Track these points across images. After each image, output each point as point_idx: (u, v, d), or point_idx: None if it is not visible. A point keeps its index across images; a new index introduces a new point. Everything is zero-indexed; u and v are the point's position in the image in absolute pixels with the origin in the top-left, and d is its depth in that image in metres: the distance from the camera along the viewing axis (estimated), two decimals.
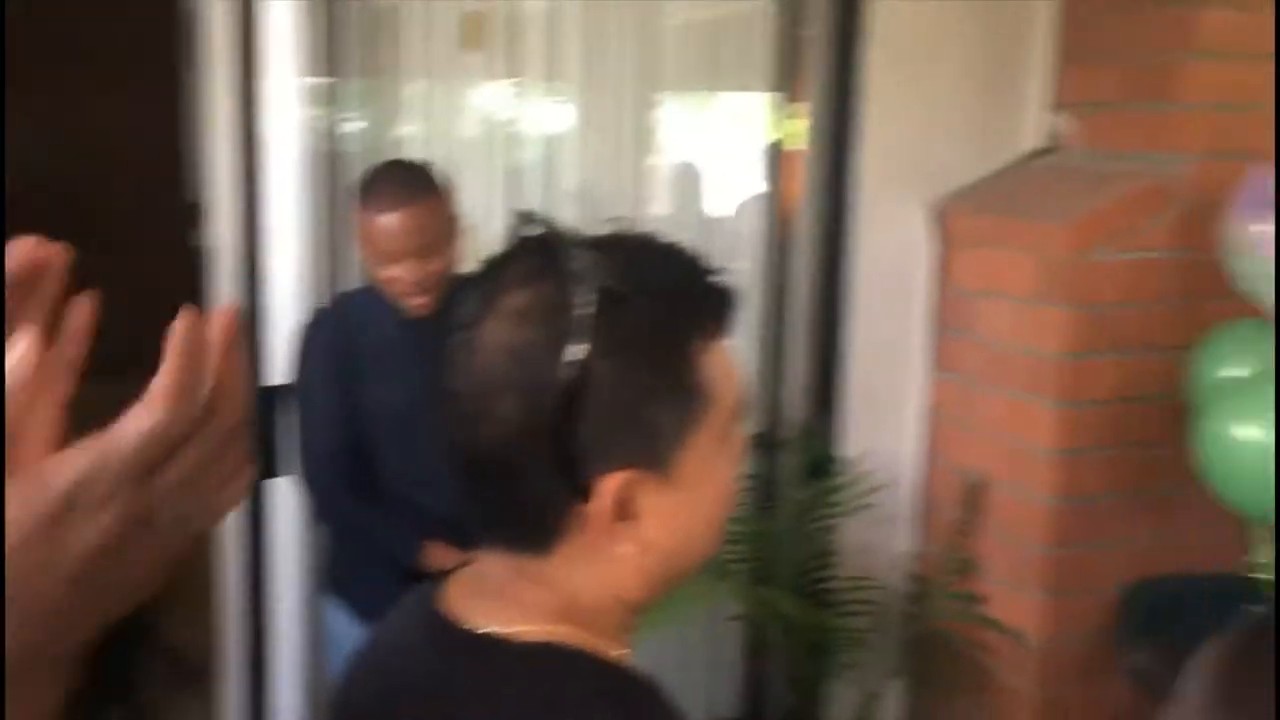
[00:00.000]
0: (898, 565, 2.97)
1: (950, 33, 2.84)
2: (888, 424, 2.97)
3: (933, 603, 2.81)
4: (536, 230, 0.85)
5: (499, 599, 0.86)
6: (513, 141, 2.89)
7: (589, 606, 0.85)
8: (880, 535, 2.94)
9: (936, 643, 2.84)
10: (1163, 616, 2.71)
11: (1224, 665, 0.78)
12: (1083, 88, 2.80)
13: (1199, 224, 2.57)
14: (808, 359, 2.96)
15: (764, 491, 2.94)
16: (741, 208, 3.09)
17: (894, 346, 2.95)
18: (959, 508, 2.81)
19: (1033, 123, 2.92)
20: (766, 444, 2.97)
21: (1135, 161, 2.63)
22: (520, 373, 0.79)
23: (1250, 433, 2.36)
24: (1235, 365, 2.52)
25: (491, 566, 0.87)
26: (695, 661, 3.14)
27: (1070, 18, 2.82)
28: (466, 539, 0.90)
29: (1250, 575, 2.55)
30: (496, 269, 0.85)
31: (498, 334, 0.81)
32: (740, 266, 3.00)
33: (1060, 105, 2.86)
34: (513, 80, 2.85)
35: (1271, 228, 2.36)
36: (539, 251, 0.83)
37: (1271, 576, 2.51)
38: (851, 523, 2.86)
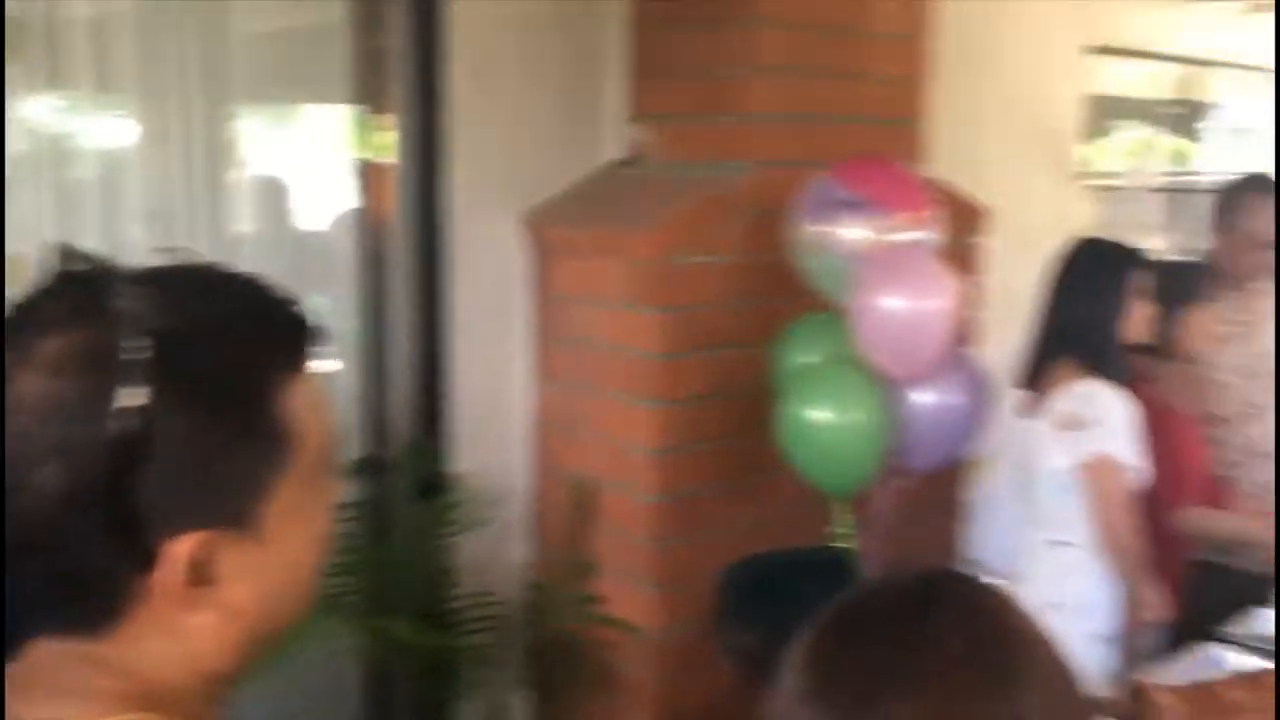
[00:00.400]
0: (518, 576, 2.97)
1: (529, 46, 2.88)
2: (497, 436, 2.97)
3: (553, 608, 2.84)
4: (77, 264, 0.74)
5: (56, 693, 0.74)
6: (64, 159, 2.60)
7: (167, 687, 0.75)
8: (499, 548, 2.94)
9: (560, 647, 2.87)
10: (757, 593, 2.90)
11: (815, 654, 0.81)
12: (656, 101, 2.94)
13: (768, 227, 2.77)
14: (412, 377, 2.90)
15: (374, 517, 2.84)
16: (333, 224, 2.97)
17: (498, 358, 2.95)
18: (572, 512, 2.86)
19: (613, 135, 3.03)
20: (373, 467, 2.87)
21: (707, 170, 2.80)
22: (60, 432, 0.68)
23: (822, 415, 2.58)
24: (806, 357, 2.75)
25: (45, 656, 0.75)
26: (312, 707, 2.98)
27: (640, 35, 2.95)
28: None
29: (834, 544, 2.79)
30: (28, 312, 0.73)
31: (31, 388, 0.70)
32: (334, 285, 2.88)
33: (637, 118, 2.98)
34: (59, 92, 2.56)
35: (836, 229, 2.60)
36: (78, 289, 0.72)
37: (851, 543, 2.77)
38: (469, 539, 2.83)
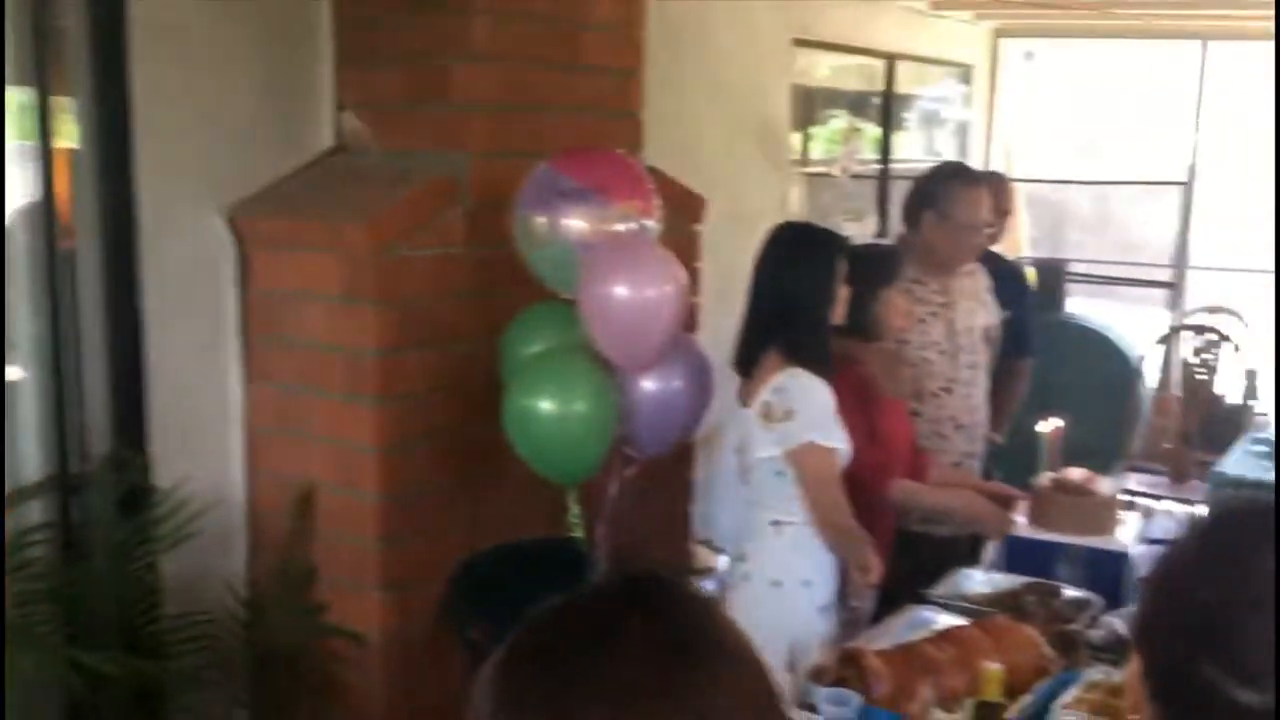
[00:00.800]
0: (235, 589, 2.80)
1: (229, 28, 2.71)
2: (207, 443, 2.79)
3: (273, 621, 2.70)
4: None
5: None
6: None
7: None
8: (214, 562, 2.76)
9: (282, 662, 2.73)
10: (491, 586, 2.87)
11: (503, 672, 0.78)
12: (368, 89, 2.83)
13: (489, 218, 2.73)
14: (107, 384, 2.67)
15: (68, 539, 2.60)
16: (11, 218, 2.69)
17: (204, 360, 2.77)
18: (290, 518, 2.72)
19: (325, 123, 2.90)
20: (64, 486, 2.63)
21: (423, 160, 2.72)
22: None
23: (546, 405, 2.57)
24: (534, 346, 2.73)
25: None
26: None
27: (348, 20, 2.84)
28: None
29: (565, 534, 2.79)
30: None
31: None
32: (13, 285, 2.61)
33: (346, 105, 2.86)
34: None
35: (559, 219, 2.58)
36: None
37: (582, 532, 2.78)
38: (179, 555, 2.64)
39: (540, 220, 2.60)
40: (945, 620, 2.43)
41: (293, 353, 2.72)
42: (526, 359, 2.67)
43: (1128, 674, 0.94)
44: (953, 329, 3.21)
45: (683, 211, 3.31)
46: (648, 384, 2.75)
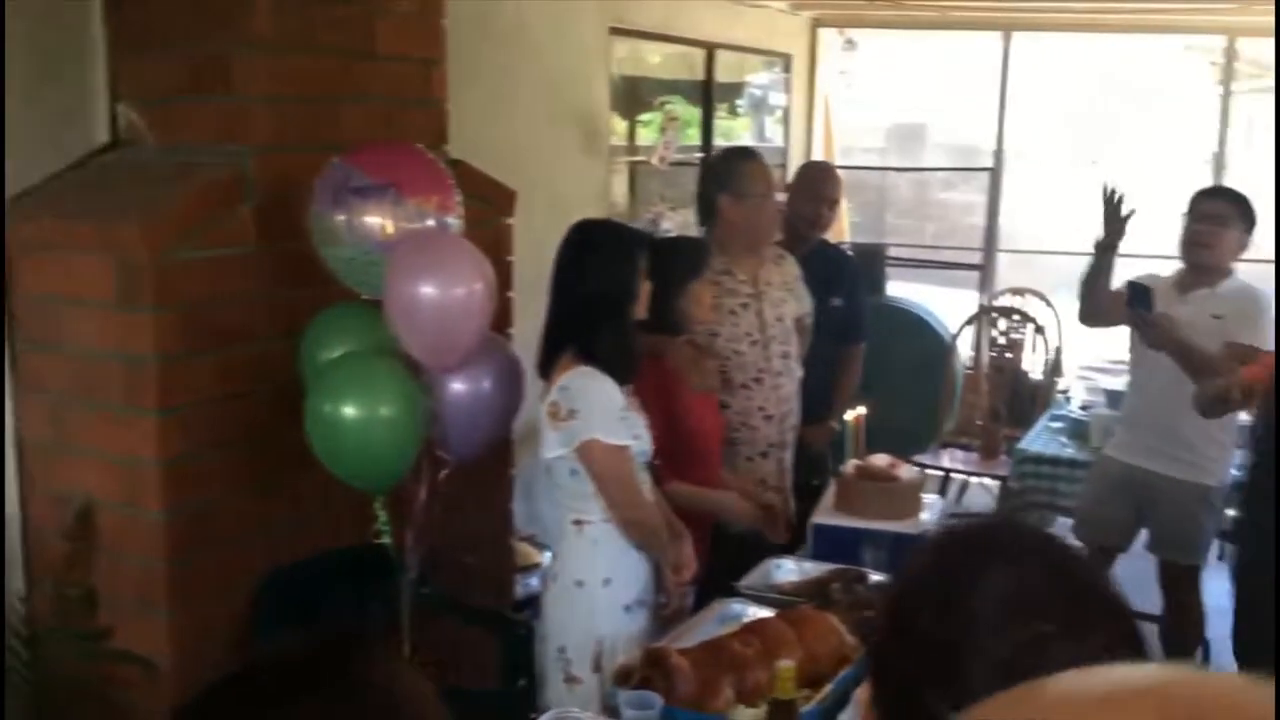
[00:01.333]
0: (13, 616, 2.61)
1: None
2: None
3: (52, 650, 2.52)
4: None
5: None
6: None
7: None
8: None
9: (63, 694, 2.56)
10: (297, 600, 2.75)
11: None
12: (145, 79, 2.66)
13: (280, 215, 2.61)
14: None
15: None
16: None
17: None
18: (68, 539, 2.54)
19: (99, 117, 2.71)
20: None
21: (207, 155, 2.58)
22: None
23: (351, 410, 2.47)
24: (333, 348, 2.62)
25: None
26: None
27: (122, 6, 2.66)
28: None
29: (373, 542, 2.70)
30: None
31: None
32: None
33: (123, 98, 2.69)
34: None
35: (355, 216, 2.47)
36: None
37: (390, 539, 2.68)
38: None
39: (335, 218, 2.50)
40: (754, 612, 2.44)
41: (67, 361, 2.54)
42: (328, 362, 2.56)
43: (859, 699, 0.92)
44: (763, 319, 3.24)
45: (492, 204, 3.24)
46: (457, 385, 2.68)
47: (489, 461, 3.02)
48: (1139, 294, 3.23)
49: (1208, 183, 6.50)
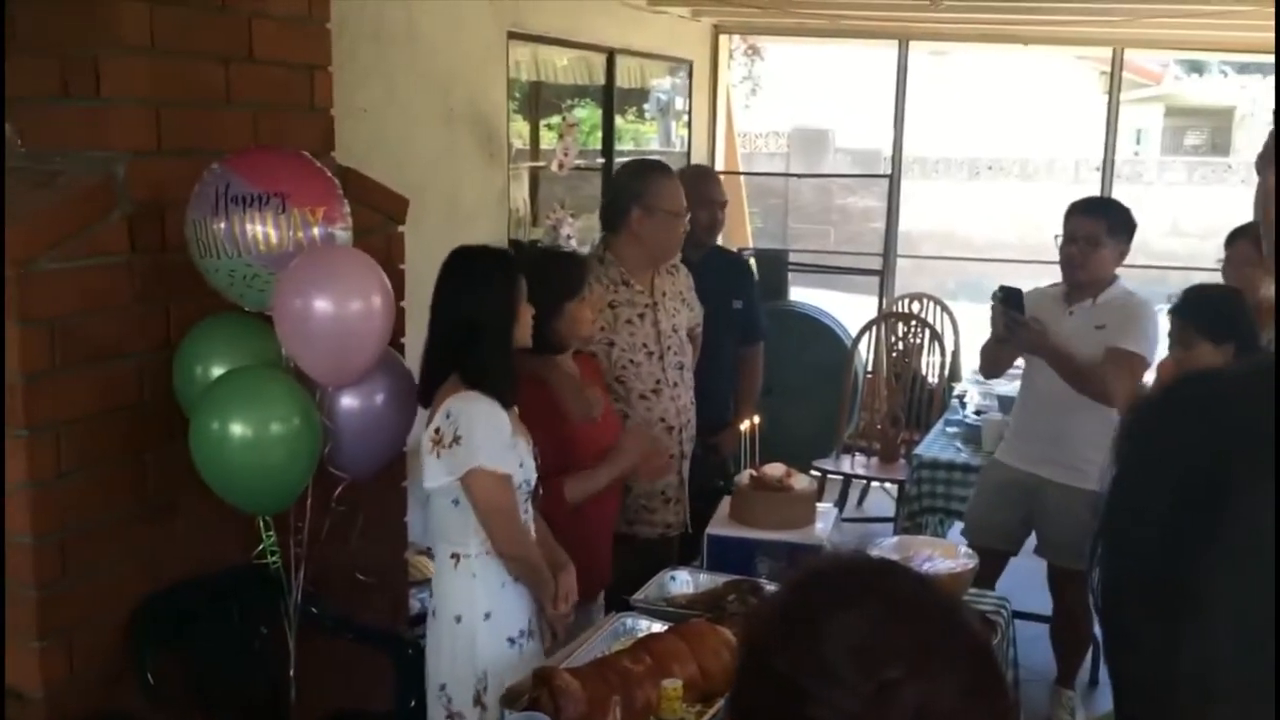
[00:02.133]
0: None
1: None
2: None
3: None
4: None
5: None
6: None
7: None
8: None
9: None
10: (178, 624, 2.66)
11: None
12: (12, 83, 2.53)
13: (155, 225, 2.51)
14: None
15: None
16: None
17: None
18: None
19: None
20: None
21: (75, 161, 2.47)
22: None
23: (240, 429, 2.38)
24: (214, 363, 2.53)
25: None
26: None
27: None
28: None
29: (259, 562, 2.61)
30: None
31: None
32: None
33: None
34: None
35: (236, 225, 2.38)
36: None
37: (278, 561, 2.60)
38: None
39: (214, 227, 2.41)
40: (648, 626, 2.42)
41: None
42: (216, 379, 2.47)
43: None
44: (659, 330, 3.22)
45: (384, 212, 3.17)
46: (350, 401, 2.61)
47: (381, 475, 2.95)
48: (1011, 297, 3.30)
49: (1097, 187, 6.70)
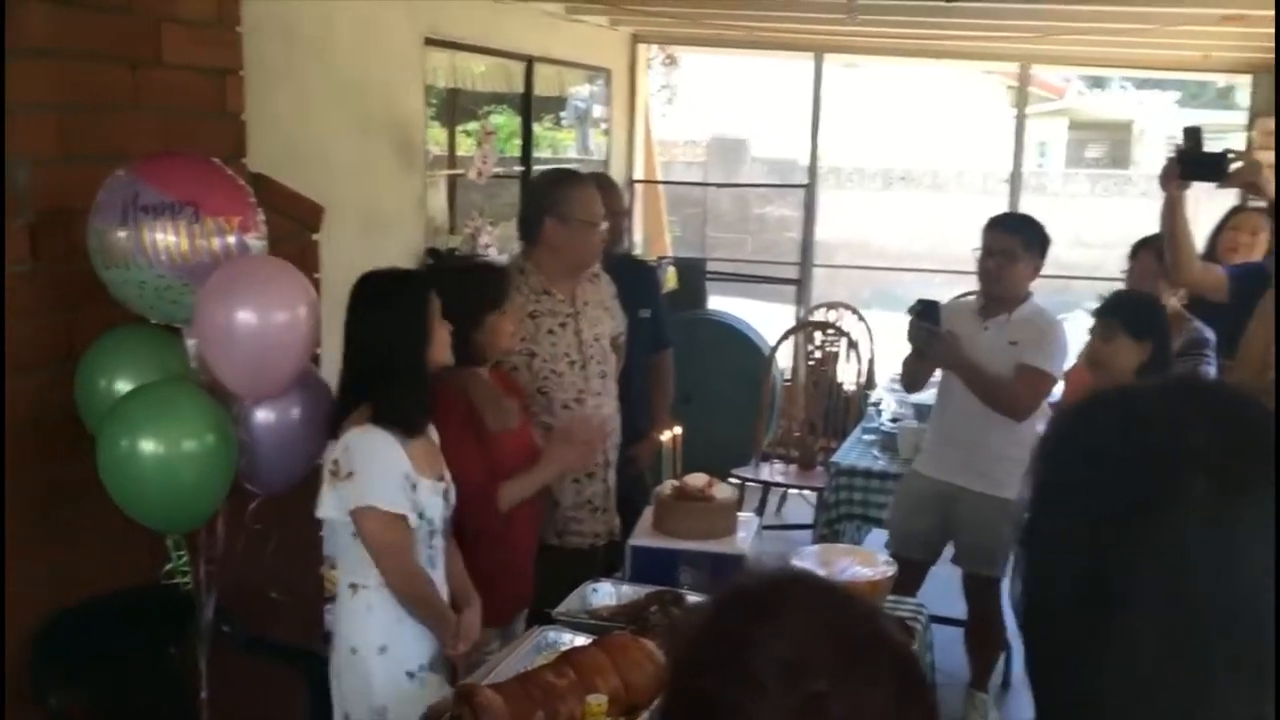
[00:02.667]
0: None
1: None
2: None
3: None
4: None
5: None
6: None
7: None
8: None
9: None
10: (81, 647, 2.56)
11: None
12: None
13: (56, 233, 2.43)
14: None
15: None
16: None
17: None
18: None
19: None
20: None
21: None
22: None
23: (151, 446, 2.30)
24: (119, 376, 2.45)
25: None
26: None
27: None
28: None
29: (167, 582, 2.54)
30: None
31: None
32: None
33: None
34: None
35: (143, 234, 2.30)
36: None
37: (189, 581, 2.53)
38: None
39: (120, 235, 2.33)
40: (571, 639, 2.40)
41: None
42: (126, 395, 2.39)
43: None
44: (581, 339, 3.21)
45: (298, 220, 3.11)
46: (265, 414, 2.54)
47: (296, 490, 2.89)
48: (927, 309, 3.36)
49: (1005, 198, 6.86)
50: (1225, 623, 0.76)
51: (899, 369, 3.82)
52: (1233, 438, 0.79)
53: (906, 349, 3.57)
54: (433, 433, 2.45)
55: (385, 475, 2.27)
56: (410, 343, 2.34)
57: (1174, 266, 3.25)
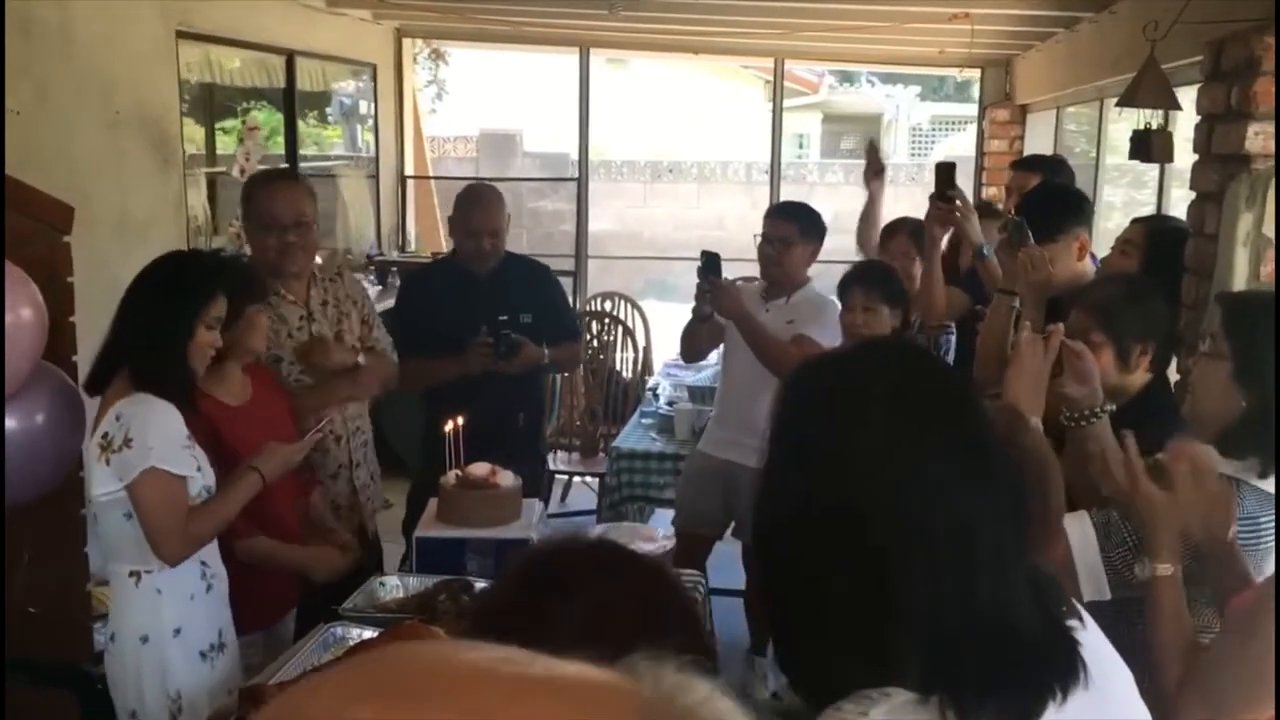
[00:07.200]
0: None
1: None
2: None
3: None
4: None
5: None
6: None
7: None
8: None
9: None
10: None
11: None
12: None
13: None
14: None
15: None
16: None
17: None
18: None
19: None
20: None
21: None
22: None
23: None
24: None
25: None
26: None
27: None
28: None
29: None
30: None
31: None
32: None
33: None
34: None
35: None
36: None
37: None
38: None
39: None
40: (359, 634, 2.39)
41: None
42: None
43: None
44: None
45: (45, 222, 2.94)
46: (8, 421, 2.42)
47: (53, 501, 2.75)
48: (709, 261, 3.53)
49: (767, 189, 7.17)
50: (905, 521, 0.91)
51: (675, 352, 3.97)
52: (907, 379, 0.96)
53: (679, 339, 3.72)
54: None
55: (166, 437, 2.21)
56: (183, 322, 2.29)
57: (928, 308, 3.44)
